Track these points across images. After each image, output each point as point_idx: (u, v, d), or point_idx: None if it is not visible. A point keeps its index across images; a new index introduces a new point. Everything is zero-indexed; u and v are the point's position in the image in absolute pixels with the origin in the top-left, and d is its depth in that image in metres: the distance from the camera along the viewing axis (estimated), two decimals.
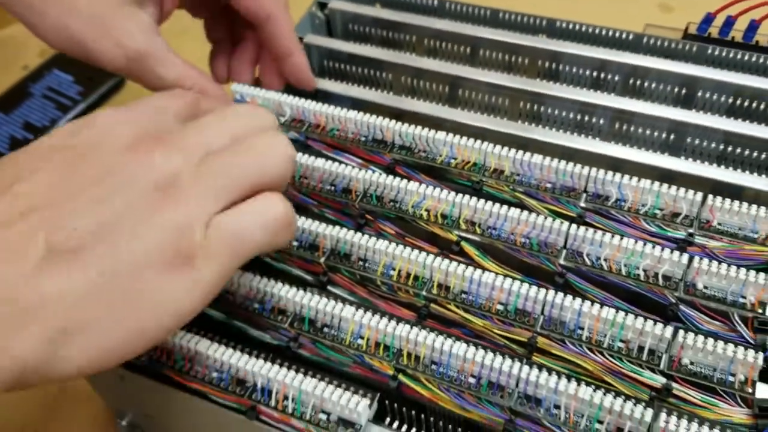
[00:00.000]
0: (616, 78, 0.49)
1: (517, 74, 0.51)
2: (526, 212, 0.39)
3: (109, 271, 0.29)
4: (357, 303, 0.38)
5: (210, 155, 0.33)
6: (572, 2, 0.73)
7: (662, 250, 0.37)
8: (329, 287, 0.40)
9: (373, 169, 0.44)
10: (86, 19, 0.41)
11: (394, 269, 0.38)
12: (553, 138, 0.45)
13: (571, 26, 0.52)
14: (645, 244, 0.37)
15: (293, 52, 0.48)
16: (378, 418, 0.36)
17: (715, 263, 0.36)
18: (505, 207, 0.39)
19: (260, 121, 0.37)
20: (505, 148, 0.42)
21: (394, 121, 0.44)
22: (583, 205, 0.40)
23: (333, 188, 0.43)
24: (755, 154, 0.44)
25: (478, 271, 0.37)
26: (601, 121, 0.47)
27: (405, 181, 0.41)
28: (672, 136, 0.46)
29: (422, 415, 0.36)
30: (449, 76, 0.50)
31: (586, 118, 0.48)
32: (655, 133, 0.46)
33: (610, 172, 0.40)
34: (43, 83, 0.69)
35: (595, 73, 0.50)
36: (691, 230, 0.39)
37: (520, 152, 0.42)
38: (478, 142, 0.42)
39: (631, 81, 0.49)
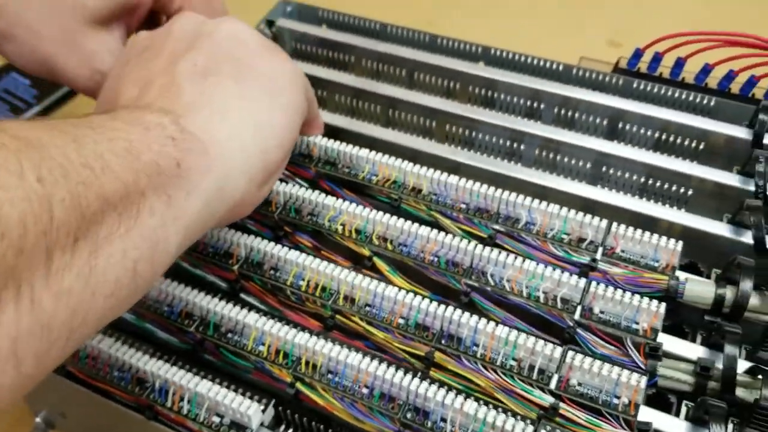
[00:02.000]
0: (548, 108, 0.50)
1: (453, 99, 0.52)
2: (435, 231, 0.40)
3: None
4: (267, 312, 0.39)
5: None
6: (519, 34, 0.75)
7: (562, 273, 0.38)
8: (242, 295, 0.41)
9: (297, 181, 0.45)
10: (55, 42, 0.41)
11: (303, 279, 0.39)
12: (482, 163, 0.46)
13: (507, 55, 0.54)
14: (546, 267, 0.38)
15: None
16: (276, 425, 0.36)
17: (611, 289, 0.37)
18: (416, 225, 0.40)
19: None
20: (424, 168, 0.43)
21: (320, 137, 0.45)
22: (494, 227, 0.41)
23: None
24: (674, 187, 0.46)
25: (382, 284, 0.38)
26: (531, 150, 0.48)
27: (323, 195, 0.42)
28: (596, 167, 0.47)
29: (321, 426, 0.37)
30: (386, 97, 0.51)
31: (515, 145, 0.49)
32: (580, 163, 0.47)
33: (521, 195, 0.41)
34: (0, 85, 0.69)
35: (528, 102, 0.51)
36: (595, 256, 0.40)
37: (437, 172, 0.43)
38: (399, 160, 0.43)
39: (562, 111, 0.50)
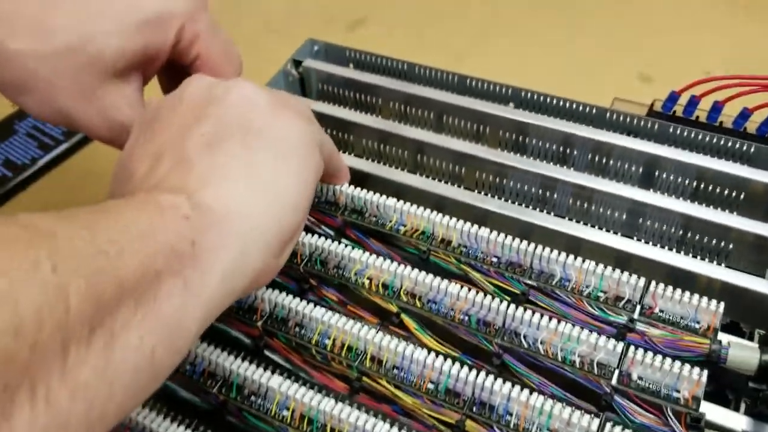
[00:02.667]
0: (581, 153, 0.49)
1: (483, 144, 0.51)
2: (466, 288, 0.39)
3: None
4: (291, 371, 0.38)
5: None
6: (547, 67, 0.74)
7: (599, 337, 0.36)
8: (266, 352, 0.39)
9: (323, 230, 0.43)
10: (73, 96, 0.40)
11: (329, 338, 0.38)
12: (512, 212, 0.44)
13: (538, 98, 0.52)
14: (582, 330, 0.36)
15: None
16: None
17: (650, 354, 0.35)
18: (445, 281, 0.39)
19: None
20: (453, 219, 0.42)
21: (346, 185, 0.44)
22: (527, 282, 0.40)
23: None
24: (713, 240, 0.44)
25: (411, 347, 0.36)
26: (562, 197, 0.47)
27: (349, 248, 0.41)
28: (631, 217, 0.45)
29: None
30: (414, 141, 0.50)
31: (548, 193, 0.47)
32: (615, 213, 0.46)
33: (555, 251, 0.40)
34: (29, 121, 0.69)
35: (561, 148, 0.50)
36: (633, 315, 0.38)
37: (467, 224, 0.41)
38: (427, 211, 0.42)
39: (596, 157, 0.49)
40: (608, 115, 0.50)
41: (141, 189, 0.32)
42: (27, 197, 0.64)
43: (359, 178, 0.46)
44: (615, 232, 0.45)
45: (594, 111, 0.51)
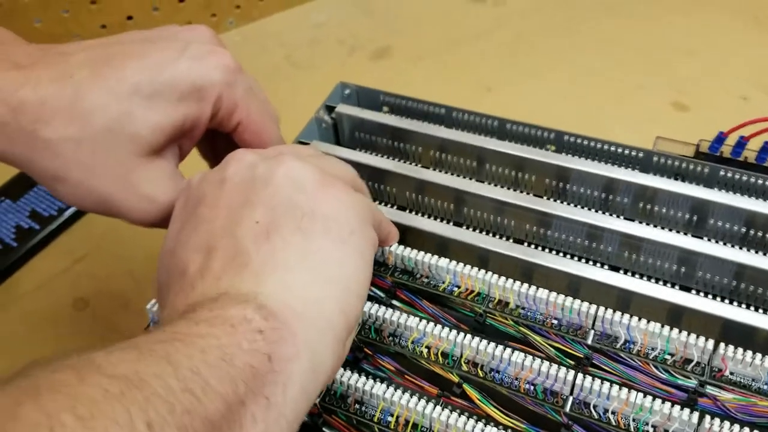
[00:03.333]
0: (625, 199, 0.48)
1: (524, 190, 0.50)
2: (530, 357, 0.38)
3: None
4: None
5: None
6: (579, 97, 0.73)
7: (672, 406, 0.35)
8: (324, 429, 0.38)
9: (374, 291, 0.42)
10: (111, 180, 0.38)
11: (392, 415, 0.37)
12: (559, 265, 0.43)
13: (579, 141, 0.51)
14: (654, 400, 0.35)
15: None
16: None
17: (726, 424, 0.34)
18: (508, 351, 0.38)
19: None
20: (509, 280, 0.41)
21: (396, 244, 0.43)
22: (589, 343, 0.39)
23: None
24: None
25: (480, 424, 0.35)
26: (609, 247, 0.46)
27: (405, 315, 0.40)
28: (682, 268, 0.44)
29: None
30: (454, 190, 0.49)
31: (594, 243, 0.46)
32: (666, 264, 0.44)
33: (618, 313, 0.39)
34: None
35: (603, 194, 0.48)
36: (702, 378, 0.37)
37: (525, 285, 0.40)
38: (482, 272, 0.41)
39: (641, 203, 0.47)
40: (655, 158, 0.49)
41: (201, 293, 0.30)
42: (56, 248, 0.63)
43: (400, 232, 0.45)
44: (665, 282, 0.44)
45: (640, 155, 0.50)
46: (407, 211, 0.49)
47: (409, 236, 0.44)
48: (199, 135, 0.41)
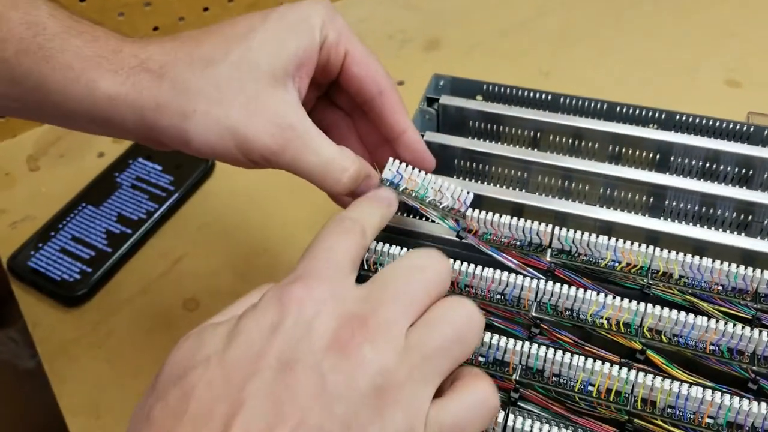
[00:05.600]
0: (726, 168, 0.51)
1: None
2: (713, 320, 0.40)
3: None
4: (550, 419, 0.38)
5: (410, 334, 0.32)
6: (634, 80, 0.76)
7: None
8: (520, 404, 0.40)
9: (531, 272, 0.44)
10: (240, 109, 0.41)
11: (592, 385, 0.39)
12: (730, 240, 0.45)
13: (680, 117, 0.54)
14: None
15: (407, 128, 0.48)
16: None
17: None
18: (691, 315, 0.40)
19: (441, 277, 0.36)
20: (673, 252, 0.43)
21: (551, 225, 0.45)
22: (756, 306, 0.41)
23: (502, 297, 0.43)
24: None
25: (685, 385, 0.37)
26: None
27: (582, 290, 0.42)
28: None
29: None
30: (599, 174, 0.50)
31: (711, 210, 0.49)
32: None
33: None
34: (130, 173, 0.67)
35: (706, 164, 0.51)
36: None
37: (689, 256, 0.42)
38: (644, 246, 0.43)
39: (743, 170, 0.51)
40: (749, 129, 0.52)
41: None
42: (150, 251, 0.63)
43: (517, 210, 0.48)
44: None
45: (738, 127, 0.53)
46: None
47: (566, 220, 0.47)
48: (313, 66, 0.44)
